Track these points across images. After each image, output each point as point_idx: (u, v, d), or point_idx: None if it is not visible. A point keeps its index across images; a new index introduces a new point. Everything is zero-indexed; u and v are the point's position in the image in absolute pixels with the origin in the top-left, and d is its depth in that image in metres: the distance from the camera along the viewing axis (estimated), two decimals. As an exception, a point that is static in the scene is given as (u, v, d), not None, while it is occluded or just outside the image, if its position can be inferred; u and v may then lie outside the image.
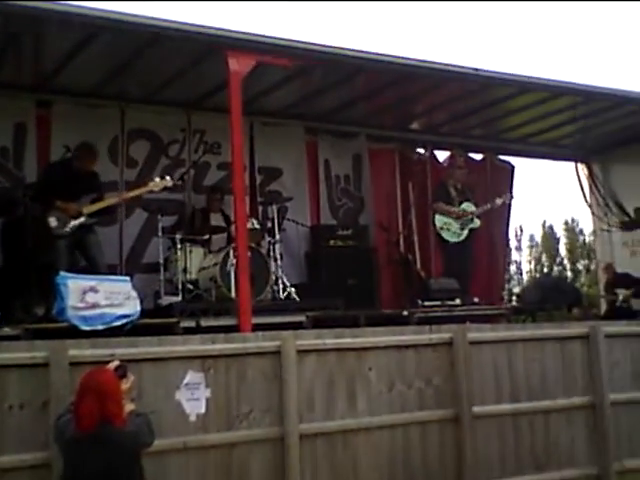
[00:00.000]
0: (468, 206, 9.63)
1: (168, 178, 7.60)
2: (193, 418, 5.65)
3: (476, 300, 9.23)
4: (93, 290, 6.24)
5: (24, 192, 7.20)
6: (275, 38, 7.10)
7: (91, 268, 7.05)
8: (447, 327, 6.87)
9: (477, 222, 9.60)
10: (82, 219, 7.17)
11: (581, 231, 39.49)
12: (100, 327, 6.15)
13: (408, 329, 6.97)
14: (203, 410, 5.69)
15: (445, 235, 9.45)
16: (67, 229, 7.08)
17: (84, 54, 7.29)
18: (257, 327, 6.53)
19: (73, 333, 5.95)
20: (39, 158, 8.17)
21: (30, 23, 6.48)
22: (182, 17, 6.87)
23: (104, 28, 6.62)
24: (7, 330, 5.99)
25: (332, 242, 9.21)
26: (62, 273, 6.37)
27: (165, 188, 7.61)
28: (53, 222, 7.01)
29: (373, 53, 7.57)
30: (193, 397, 5.64)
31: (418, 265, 10.06)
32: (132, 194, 7.56)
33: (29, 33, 6.83)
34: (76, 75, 7.89)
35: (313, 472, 6.03)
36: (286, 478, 5.89)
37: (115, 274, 7.47)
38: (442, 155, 11.06)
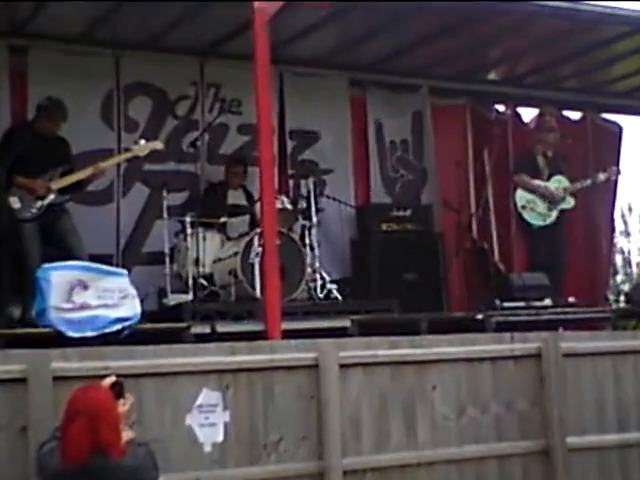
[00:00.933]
0: (560, 180, 9.55)
1: (157, 142, 7.72)
2: (208, 448, 5.68)
3: (571, 300, 9.17)
4: (82, 286, 6.32)
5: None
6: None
7: (67, 260, 7.02)
8: (534, 335, 6.83)
9: (570, 201, 9.52)
10: (51, 197, 7.28)
11: None
12: (90, 333, 6.22)
13: (483, 337, 6.96)
14: (220, 438, 5.71)
15: (528, 217, 9.38)
16: (34, 210, 7.20)
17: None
18: (288, 334, 6.54)
19: (57, 341, 6.03)
20: (13, 120, 8.27)
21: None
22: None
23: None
24: (-26, 337, 6.09)
25: (385, 226, 9.22)
26: (44, 265, 6.46)
27: (154, 152, 7.71)
28: (15, 203, 7.13)
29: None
30: (208, 422, 5.68)
31: (496, 255, 10.03)
32: (111, 162, 7.66)
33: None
34: (59, 15, 7.98)
35: (361, 519, 6.07)
36: (326, 526, 5.93)
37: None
38: (528, 114, 11.04)
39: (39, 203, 7.22)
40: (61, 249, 7.27)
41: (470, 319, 8.01)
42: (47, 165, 7.33)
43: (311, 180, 8.66)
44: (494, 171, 10.35)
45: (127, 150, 7.81)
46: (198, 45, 9.02)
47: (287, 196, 8.63)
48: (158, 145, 7.76)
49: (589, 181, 9.65)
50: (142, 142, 7.70)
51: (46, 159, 7.34)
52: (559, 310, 8.68)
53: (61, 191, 7.35)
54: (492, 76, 10.65)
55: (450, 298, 9.39)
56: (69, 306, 6.24)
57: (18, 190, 7.14)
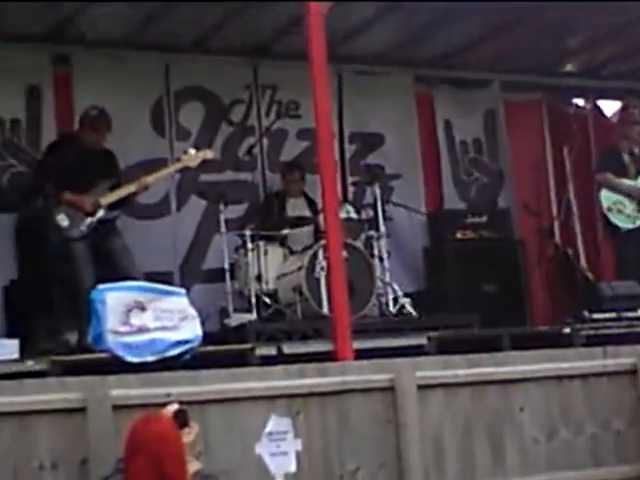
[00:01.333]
0: (649, 178, 9.43)
1: (207, 150, 7.76)
2: (281, 479, 5.70)
3: (667, 310, 9.03)
4: (139, 307, 6.35)
5: (42, 176, 7.35)
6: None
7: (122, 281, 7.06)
8: (629, 349, 6.75)
9: (662, 201, 9.40)
10: (101, 213, 7.34)
11: None
12: (150, 358, 6.23)
13: (572, 353, 6.88)
14: (293, 468, 5.70)
15: (615, 219, 9.25)
16: (83, 228, 7.26)
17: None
18: (360, 354, 6.51)
19: (115, 366, 6.07)
20: (59, 131, 8.37)
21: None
22: None
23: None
24: (30, 364, 6.10)
25: (460, 234, 9.21)
26: (99, 286, 6.51)
27: (205, 162, 7.73)
28: (63, 221, 7.19)
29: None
30: (279, 451, 5.67)
31: (582, 262, 9.96)
32: (160, 174, 7.66)
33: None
34: (103, 19, 8.11)
35: None
36: None
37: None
38: (610, 107, 10.94)
39: (88, 220, 7.28)
40: (113, 269, 7.32)
41: (556, 333, 7.90)
42: (95, 179, 7.40)
43: (377, 186, 8.59)
44: (575, 170, 10.23)
45: (177, 160, 7.84)
46: (250, 45, 9.10)
47: (354, 205, 8.61)
48: (209, 154, 7.79)
49: (682, 177, 9.50)
50: (192, 151, 7.72)
51: (93, 173, 7.41)
52: (654, 321, 8.56)
53: (110, 207, 7.42)
54: (569, 68, 10.57)
55: (533, 310, 9.31)
56: (126, 329, 6.26)
57: (65, 207, 7.22)
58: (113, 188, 7.46)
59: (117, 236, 7.52)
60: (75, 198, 7.25)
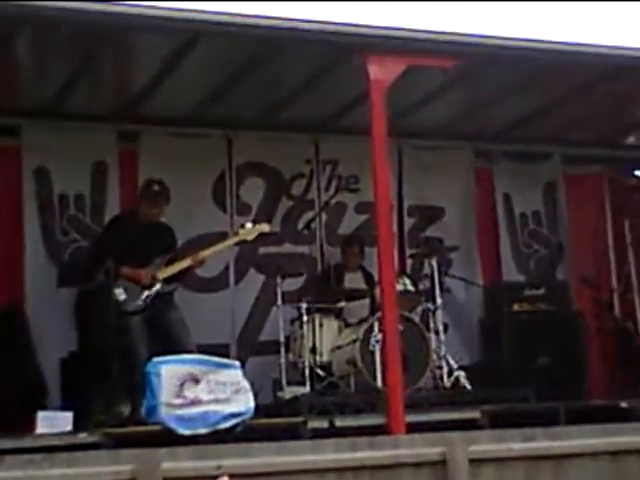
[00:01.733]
0: None
1: (264, 224, 7.82)
2: None
3: None
4: (193, 380, 6.39)
5: (102, 251, 7.48)
6: (429, 32, 7.18)
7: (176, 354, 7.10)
8: (688, 424, 6.63)
9: None
10: (157, 287, 7.42)
11: None
12: (202, 430, 6.25)
13: (630, 427, 6.76)
14: (341, 543, 5.69)
15: (674, 293, 9.14)
16: (140, 302, 7.34)
17: (178, 69, 7.64)
18: (413, 427, 6.49)
19: (167, 439, 6.10)
20: (122, 207, 8.53)
21: (107, 32, 6.83)
22: (303, 14, 7.03)
23: (205, 33, 6.90)
24: (83, 436, 6.17)
25: (517, 306, 9.14)
26: (154, 359, 6.57)
27: (262, 235, 7.79)
28: (121, 295, 7.26)
29: (567, 43, 7.53)
30: (327, 526, 5.66)
31: (642, 336, 9.77)
32: (217, 248, 7.72)
33: (106, 46, 7.21)
34: (168, 98, 8.27)
35: None
36: None
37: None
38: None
39: (145, 294, 7.36)
40: (169, 342, 7.36)
41: (614, 407, 7.76)
42: (152, 254, 7.48)
43: (434, 259, 8.60)
44: (637, 242, 10.13)
45: (235, 234, 7.91)
46: (312, 121, 9.18)
47: (410, 277, 8.60)
48: (266, 228, 7.84)
49: None
50: (249, 225, 7.77)
51: (151, 247, 7.50)
52: None
53: (167, 280, 7.49)
54: (631, 140, 10.48)
55: (590, 384, 9.14)
56: (180, 402, 6.29)
57: (123, 281, 7.29)
58: (170, 262, 7.53)
59: (174, 309, 7.57)
60: (132, 272, 7.34)
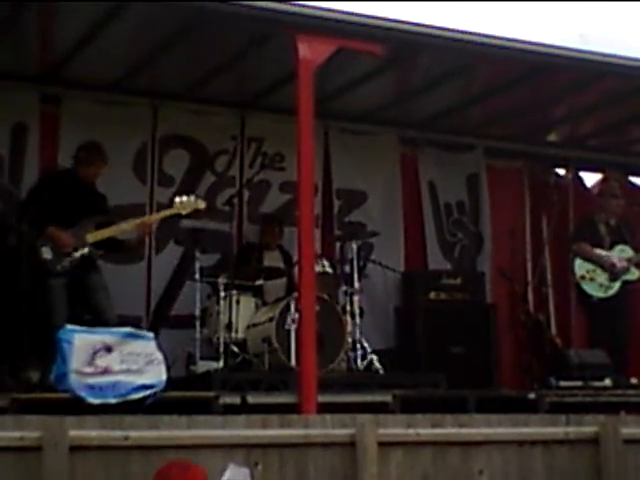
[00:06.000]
0: (623, 250, 9.45)
1: (200, 200, 7.77)
2: (234, 529, 5.65)
3: (634, 381, 8.97)
4: (105, 350, 6.33)
5: (19, 215, 7.34)
6: (362, 16, 7.19)
7: (95, 320, 7.07)
8: (592, 418, 6.76)
9: (635, 273, 9.39)
10: (85, 250, 7.28)
11: None
12: (112, 400, 6.21)
13: (536, 418, 6.87)
14: (248, 519, 5.68)
15: (587, 288, 9.27)
16: (65, 263, 7.20)
17: (106, 35, 7.50)
18: (325, 407, 6.51)
19: (76, 407, 6.03)
20: (42, 171, 8.38)
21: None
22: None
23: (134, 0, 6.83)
24: (-12, 401, 6.10)
25: (433, 294, 9.20)
26: (67, 326, 6.48)
27: (197, 211, 7.72)
28: (47, 254, 7.12)
29: (497, 37, 7.61)
30: (234, 500, 5.64)
31: (553, 329, 9.95)
32: (150, 219, 7.67)
33: (33, 6, 7.04)
34: (94, 63, 8.13)
35: None
36: None
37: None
38: (590, 179, 11.02)
39: (72, 255, 7.21)
40: (90, 309, 7.28)
41: (522, 398, 7.88)
42: (83, 216, 7.35)
43: (355, 243, 8.62)
44: (552, 239, 10.28)
45: (170, 207, 7.80)
46: (240, 97, 9.13)
47: (331, 259, 8.60)
48: (202, 204, 7.79)
49: (655, 251, 9.53)
50: (184, 198, 7.70)
51: (82, 210, 7.36)
52: (620, 392, 8.49)
53: (96, 245, 7.36)
54: (553, 137, 10.64)
55: (501, 374, 9.26)
56: (91, 370, 6.24)
57: (49, 241, 7.14)
58: (100, 227, 7.40)
59: (97, 274, 7.45)
60: (60, 233, 7.18)
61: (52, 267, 7.15)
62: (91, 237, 7.32)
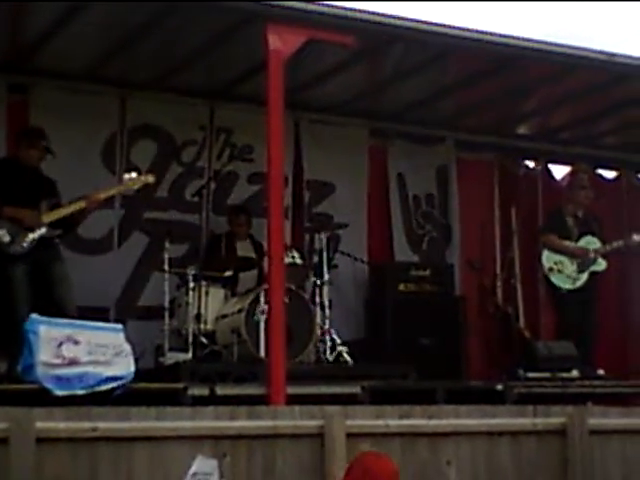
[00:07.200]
0: (591, 241, 9.51)
1: (149, 175, 7.74)
2: (202, 520, 5.65)
3: (601, 373, 9.09)
4: (72, 341, 6.30)
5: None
6: (333, 7, 7.20)
7: (55, 311, 6.94)
8: (559, 409, 6.80)
9: (602, 264, 9.47)
10: (42, 230, 7.20)
11: None
12: (80, 392, 6.20)
13: (504, 409, 6.91)
14: (216, 510, 5.68)
15: (555, 280, 9.34)
16: (24, 244, 7.11)
17: (75, 24, 7.46)
18: (294, 399, 6.52)
19: (43, 399, 6.00)
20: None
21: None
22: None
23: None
24: (-48, 392, 6.07)
25: (402, 286, 9.22)
26: (33, 316, 6.45)
27: (146, 187, 7.72)
28: (4, 236, 7.06)
29: (469, 30, 7.63)
30: (203, 492, 5.64)
31: (521, 321, 9.97)
32: (103, 195, 7.55)
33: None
34: (63, 51, 8.08)
35: None
36: None
37: (104, 321, 7.48)
38: (559, 171, 11.07)
39: (30, 236, 7.13)
40: (50, 298, 7.20)
41: (490, 389, 7.94)
42: (35, 198, 7.27)
43: (324, 234, 8.67)
44: (521, 231, 10.35)
45: (120, 182, 7.79)
46: (210, 87, 9.09)
47: (300, 251, 8.61)
48: (150, 179, 7.72)
49: (621, 242, 9.60)
50: (133, 175, 7.64)
51: (34, 192, 7.29)
52: (587, 383, 8.59)
53: (53, 225, 7.28)
54: (522, 130, 10.69)
55: (470, 366, 9.30)
56: (58, 361, 6.22)
57: (6, 222, 7.07)
58: (54, 207, 7.32)
59: (59, 263, 7.39)
60: (16, 211, 7.11)
61: (11, 249, 7.07)
62: (46, 217, 7.24)
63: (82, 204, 7.37)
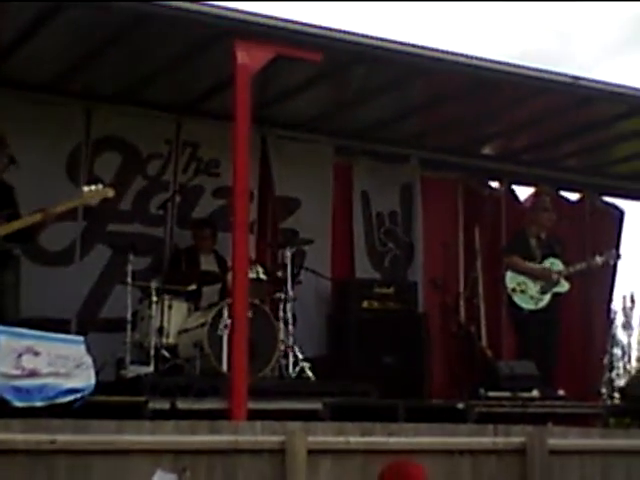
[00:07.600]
0: (553, 263, 9.57)
1: (108, 188, 7.52)
2: (160, 535, 5.62)
3: (561, 393, 9.11)
4: (32, 352, 6.25)
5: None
6: (301, 24, 7.22)
7: None
8: (519, 428, 6.84)
9: (565, 285, 9.52)
10: None
11: None
12: (39, 404, 6.14)
13: (464, 428, 6.96)
14: (174, 525, 5.65)
15: (518, 300, 9.38)
16: None
17: (41, 35, 7.44)
18: (255, 414, 6.51)
19: (1, 410, 5.94)
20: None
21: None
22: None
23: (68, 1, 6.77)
24: None
25: (366, 303, 9.23)
26: (-8, 326, 6.39)
27: (107, 200, 7.57)
28: None
29: (435, 50, 7.70)
30: (161, 506, 5.61)
31: (483, 341, 10.01)
32: (60, 208, 7.38)
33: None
34: (29, 63, 8.04)
35: None
36: None
37: (65, 333, 7.41)
38: (523, 192, 11.17)
39: None
40: None
41: (451, 408, 7.97)
42: None
43: (289, 250, 8.67)
44: (485, 251, 10.42)
45: (79, 196, 7.55)
46: (176, 101, 9.09)
47: (264, 266, 8.61)
48: (110, 192, 7.53)
49: (584, 264, 9.66)
50: (93, 187, 7.46)
51: None
52: (547, 403, 8.64)
53: (7, 239, 7.15)
54: (487, 151, 10.76)
55: (432, 384, 9.32)
56: (17, 372, 6.16)
57: None
58: (10, 219, 7.16)
59: (11, 273, 7.23)
60: None
61: None
62: (2, 230, 7.14)
63: (38, 217, 7.22)
